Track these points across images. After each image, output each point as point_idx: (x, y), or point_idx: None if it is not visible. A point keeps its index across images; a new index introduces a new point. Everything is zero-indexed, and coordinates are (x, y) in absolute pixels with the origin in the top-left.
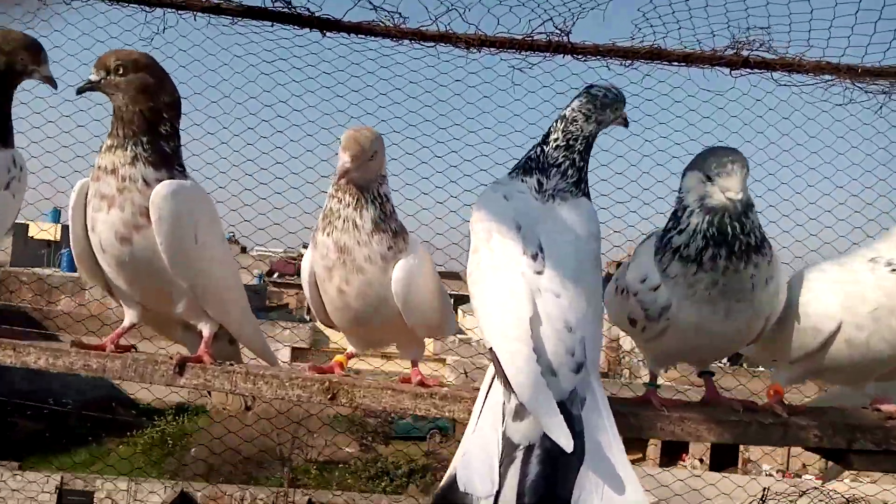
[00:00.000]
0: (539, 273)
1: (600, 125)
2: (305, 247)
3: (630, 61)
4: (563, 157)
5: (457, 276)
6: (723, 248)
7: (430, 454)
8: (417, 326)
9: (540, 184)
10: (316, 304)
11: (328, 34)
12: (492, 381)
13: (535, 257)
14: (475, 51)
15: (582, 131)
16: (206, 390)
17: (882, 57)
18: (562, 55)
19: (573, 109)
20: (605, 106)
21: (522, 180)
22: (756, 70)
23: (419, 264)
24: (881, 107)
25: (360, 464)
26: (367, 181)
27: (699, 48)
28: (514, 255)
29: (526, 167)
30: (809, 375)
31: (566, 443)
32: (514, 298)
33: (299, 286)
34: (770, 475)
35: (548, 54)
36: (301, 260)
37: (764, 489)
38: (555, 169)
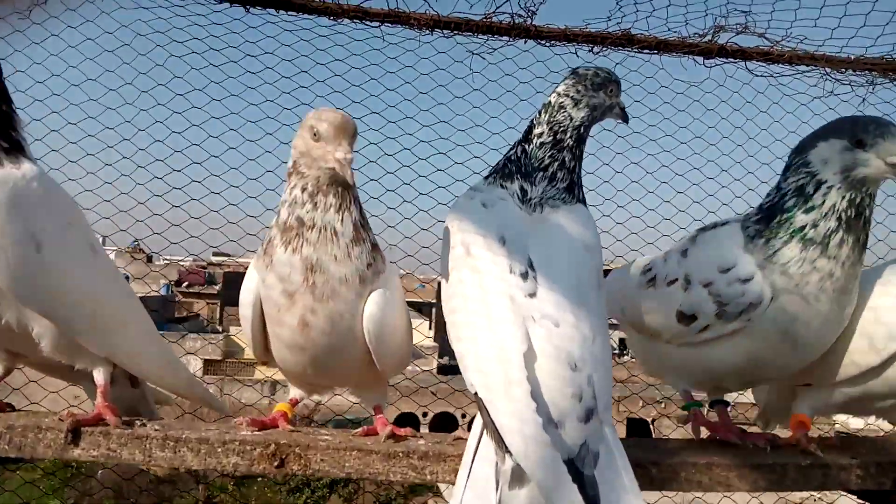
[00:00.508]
0: (531, 296)
1: (594, 112)
2: (217, 254)
3: (600, 48)
4: (549, 156)
5: None
6: (851, 233)
7: None
8: (388, 365)
9: (524, 191)
10: (258, 342)
11: (251, 10)
12: (480, 435)
13: (524, 276)
14: (427, 32)
15: (571, 120)
16: (111, 463)
17: (864, 51)
18: (524, 39)
19: (559, 94)
20: (598, 87)
21: (502, 185)
22: (731, 59)
23: (393, 293)
24: (863, 100)
25: (279, 476)
26: (352, 177)
27: (674, 35)
28: (500, 275)
29: (505, 171)
30: (848, 404)
31: None
32: (502, 329)
33: (210, 295)
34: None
35: (509, 38)
36: (211, 268)
37: None
38: (541, 173)
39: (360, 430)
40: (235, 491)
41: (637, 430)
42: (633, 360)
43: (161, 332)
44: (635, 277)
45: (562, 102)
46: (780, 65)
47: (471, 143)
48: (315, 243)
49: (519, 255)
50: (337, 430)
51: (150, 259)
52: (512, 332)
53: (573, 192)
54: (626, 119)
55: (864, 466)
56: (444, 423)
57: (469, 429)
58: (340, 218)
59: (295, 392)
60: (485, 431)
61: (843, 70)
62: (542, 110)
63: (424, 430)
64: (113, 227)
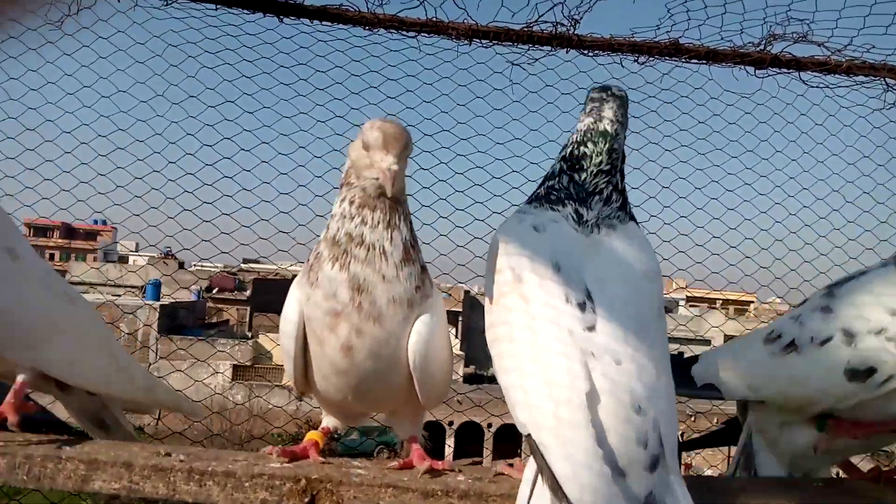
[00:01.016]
0: (590, 329)
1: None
2: (247, 261)
3: (646, 57)
4: (605, 181)
5: None
6: None
7: None
8: (429, 394)
9: (579, 214)
10: (297, 363)
11: (286, 19)
12: (535, 480)
13: (582, 307)
14: (465, 42)
15: (622, 146)
16: (133, 496)
17: None
18: (566, 49)
19: (612, 122)
20: (626, 106)
21: (552, 209)
22: (784, 70)
23: (439, 319)
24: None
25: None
26: (402, 192)
27: (726, 45)
28: (556, 305)
29: (551, 198)
30: None
31: None
32: (562, 366)
33: (240, 301)
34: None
35: (551, 48)
36: (242, 274)
37: None
38: (596, 197)
39: (395, 463)
40: None
41: None
42: None
43: (191, 337)
44: (756, 349)
45: (617, 130)
46: (837, 75)
47: (510, 156)
48: (363, 261)
49: (576, 284)
50: (370, 463)
51: (181, 266)
52: (571, 369)
53: (626, 209)
54: None
55: None
56: (470, 433)
57: (501, 449)
58: (390, 236)
59: (329, 421)
60: (539, 476)
61: None
62: (595, 137)
63: (451, 439)
64: (146, 236)
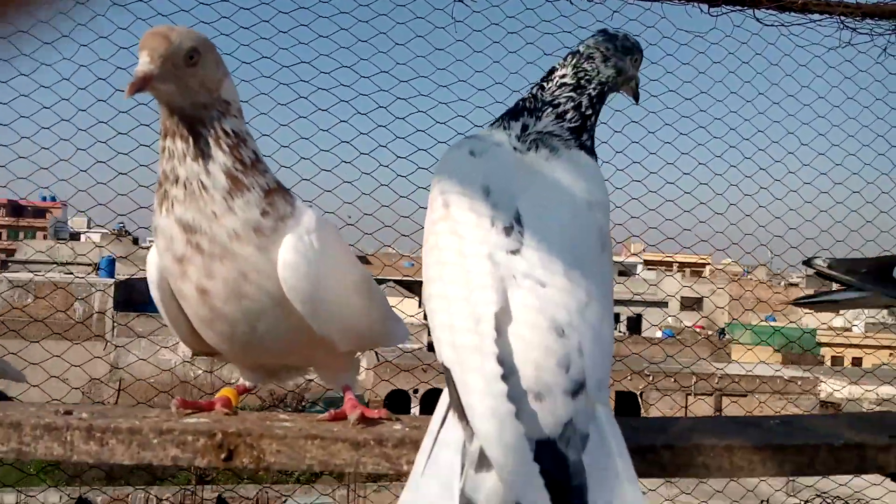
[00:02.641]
0: (514, 252)
1: (619, 76)
2: None
3: None
4: (566, 96)
5: None
6: None
7: None
8: (335, 335)
9: (525, 128)
10: (178, 324)
11: None
12: (446, 413)
13: (508, 231)
14: None
15: (598, 73)
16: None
17: None
18: None
19: (589, 46)
20: (626, 51)
21: (505, 127)
22: (738, 6)
23: (319, 238)
24: (883, 51)
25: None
26: (192, 102)
27: None
28: (480, 230)
29: (515, 110)
30: None
31: None
32: (473, 288)
33: None
34: None
35: None
36: None
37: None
38: (549, 108)
39: (325, 414)
40: (227, 470)
41: (626, 403)
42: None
43: (150, 314)
44: None
45: (591, 53)
46: (793, 13)
47: (454, 100)
48: (183, 202)
49: (504, 207)
50: (298, 415)
51: (136, 241)
52: (484, 292)
53: (582, 138)
54: (636, 98)
55: None
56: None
57: None
58: (204, 168)
59: (244, 377)
60: (450, 408)
61: (861, 18)
62: (569, 56)
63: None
64: (97, 208)
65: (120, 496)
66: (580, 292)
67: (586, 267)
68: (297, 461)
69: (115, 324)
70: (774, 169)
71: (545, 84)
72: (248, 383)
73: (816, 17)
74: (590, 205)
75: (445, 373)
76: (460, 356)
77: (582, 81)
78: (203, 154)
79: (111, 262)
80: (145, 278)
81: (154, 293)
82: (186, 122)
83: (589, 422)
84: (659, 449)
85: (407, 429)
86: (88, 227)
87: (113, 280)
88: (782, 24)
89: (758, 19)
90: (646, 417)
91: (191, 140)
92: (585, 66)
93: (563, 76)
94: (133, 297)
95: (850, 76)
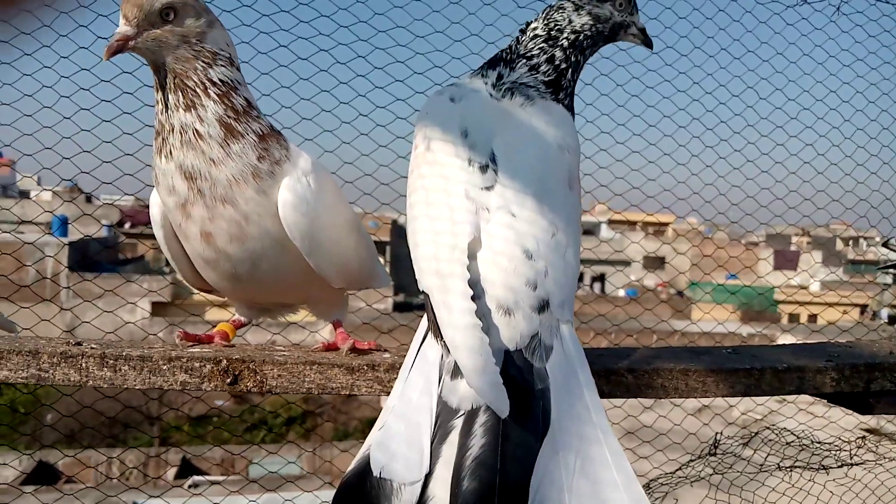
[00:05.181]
0: (489, 189)
1: (598, 23)
2: None
3: None
4: (538, 48)
5: None
6: None
7: (309, 399)
8: (330, 271)
9: (500, 76)
10: (180, 262)
11: None
12: (425, 333)
13: (484, 169)
14: None
15: (570, 23)
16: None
17: None
18: None
19: None
20: None
21: (483, 76)
22: None
23: (315, 180)
24: (837, 10)
25: (235, 417)
26: (174, 57)
27: None
28: (456, 169)
29: (493, 60)
30: None
31: (499, 406)
32: (449, 219)
33: (154, 236)
34: None
35: None
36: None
37: (716, 434)
38: (523, 60)
39: (318, 345)
40: (191, 430)
41: None
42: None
43: (105, 275)
44: None
45: (561, 4)
46: None
47: (431, 50)
48: (181, 148)
49: (480, 148)
50: (294, 346)
51: (89, 199)
52: (459, 222)
53: (557, 91)
54: (648, 44)
55: (838, 369)
56: None
57: None
58: (197, 116)
59: (239, 313)
60: (429, 330)
61: None
62: (542, 12)
63: None
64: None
65: (82, 459)
66: (547, 223)
67: (555, 202)
68: (297, 385)
69: (70, 286)
70: (743, 128)
71: (520, 37)
72: (243, 318)
73: None
74: (560, 147)
75: (425, 297)
76: (437, 281)
77: (553, 32)
78: (194, 104)
79: (64, 221)
80: (99, 238)
81: (157, 232)
82: (173, 76)
83: (553, 336)
84: (623, 371)
85: (396, 357)
86: (38, 184)
87: (67, 239)
88: None
89: None
90: (609, 347)
91: (180, 92)
92: (555, 16)
93: (535, 28)
94: (87, 258)
95: (806, 33)
